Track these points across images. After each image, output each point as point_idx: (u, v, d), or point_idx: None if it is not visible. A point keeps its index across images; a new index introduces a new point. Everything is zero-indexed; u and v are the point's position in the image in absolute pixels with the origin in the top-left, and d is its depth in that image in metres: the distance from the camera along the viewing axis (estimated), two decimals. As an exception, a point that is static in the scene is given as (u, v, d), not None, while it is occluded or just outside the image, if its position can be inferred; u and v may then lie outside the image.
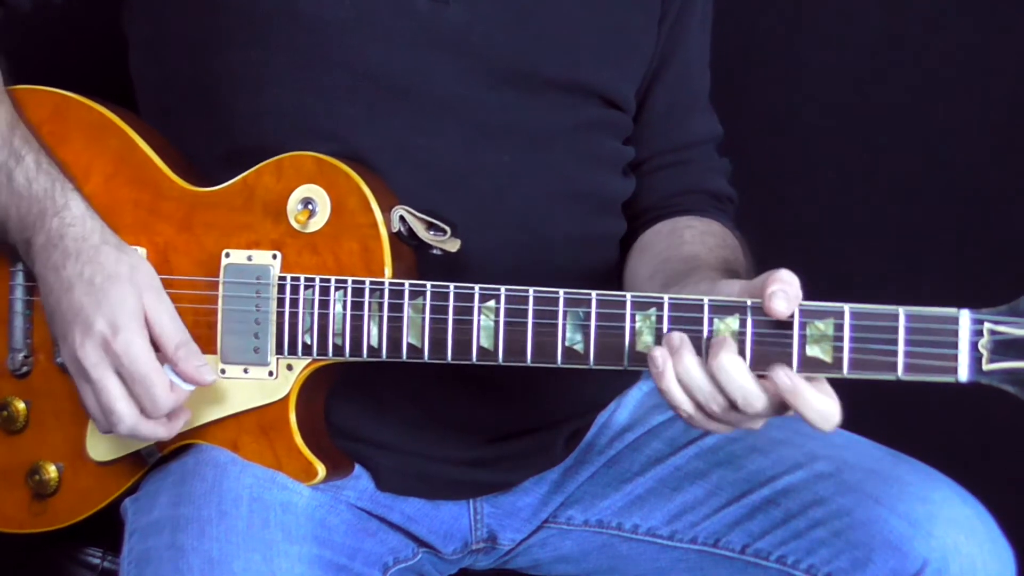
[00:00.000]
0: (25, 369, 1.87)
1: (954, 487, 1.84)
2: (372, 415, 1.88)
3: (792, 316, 1.61)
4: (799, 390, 1.59)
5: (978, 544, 1.79)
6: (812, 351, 1.62)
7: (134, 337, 1.72)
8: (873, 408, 1.85)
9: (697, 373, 1.61)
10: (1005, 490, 1.97)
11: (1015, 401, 1.60)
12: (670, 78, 2.04)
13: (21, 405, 1.87)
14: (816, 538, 1.85)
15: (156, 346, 1.74)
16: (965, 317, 1.59)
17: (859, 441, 1.92)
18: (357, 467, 1.89)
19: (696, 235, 1.95)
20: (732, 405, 1.61)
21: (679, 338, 1.62)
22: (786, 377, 1.59)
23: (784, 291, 1.60)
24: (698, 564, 1.94)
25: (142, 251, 1.81)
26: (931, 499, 1.81)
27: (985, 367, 1.58)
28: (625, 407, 2.04)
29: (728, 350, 1.60)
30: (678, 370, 1.61)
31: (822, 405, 1.60)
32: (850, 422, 1.88)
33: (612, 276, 2.00)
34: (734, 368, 1.60)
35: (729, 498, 1.92)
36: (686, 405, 1.63)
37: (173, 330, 1.75)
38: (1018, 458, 2.60)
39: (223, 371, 1.78)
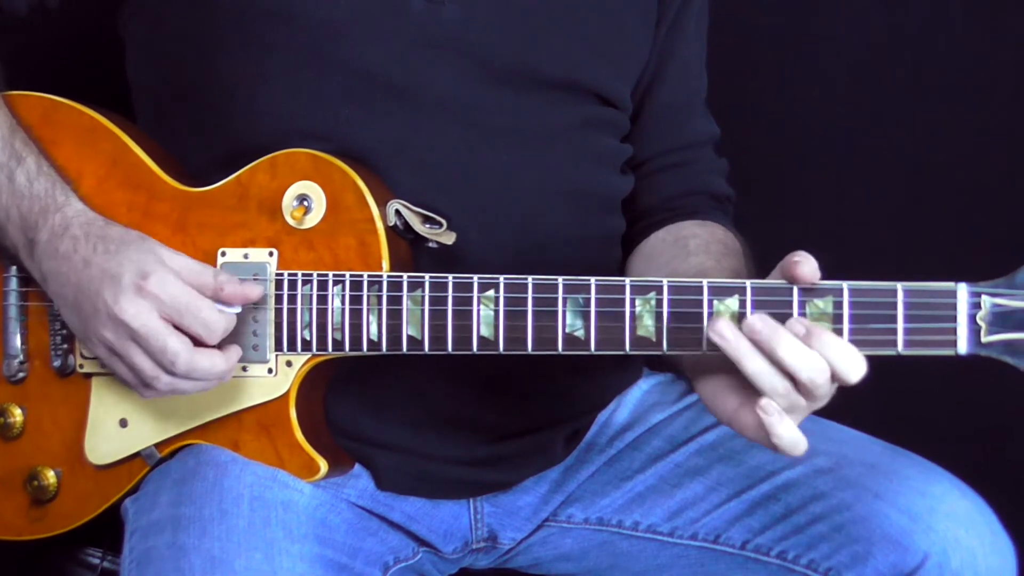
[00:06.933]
0: (21, 375, 1.86)
1: (953, 481, 1.84)
2: (373, 415, 1.88)
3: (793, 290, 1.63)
4: (815, 332, 1.60)
5: (978, 537, 1.79)
6: (812, 329, 1.62)
7: (165, 275, 1.71)
8: (872, 403, 1.85)
9: (803, 350, 1.61)
10: (1004, 483, 1.97)
11: (1013, 397, 1.60)
12: (669, 79, 2.05)
13: (18, 411, 1.86)
14: (816, 533, 1.85)
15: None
16: (963, 290, 1.60)
17: (858, 436, 1.92)
18: (357, 466, 1.89)
19: (701, 244, 1.95)
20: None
21: (763, 320, 1.62)
22: (799, 324, 1.60)
23: (803, 259, 1.62)
24: (698, 560, 1.93)
25: None
26: (931, 493, 1.81)
27: (984, 339, 1.60)
28: (625, 406, 2.04)
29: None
30: (782, 355, 1.61)
31: (847, 349, 1.61)
32: (849, 417, 1.89)
33: (613, 275, 1.98)
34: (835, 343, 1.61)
35: (729, 494, 1.92)
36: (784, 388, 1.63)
37: (202, 266, 1.75)
38: (1017, 452, 2.61)
39: None
